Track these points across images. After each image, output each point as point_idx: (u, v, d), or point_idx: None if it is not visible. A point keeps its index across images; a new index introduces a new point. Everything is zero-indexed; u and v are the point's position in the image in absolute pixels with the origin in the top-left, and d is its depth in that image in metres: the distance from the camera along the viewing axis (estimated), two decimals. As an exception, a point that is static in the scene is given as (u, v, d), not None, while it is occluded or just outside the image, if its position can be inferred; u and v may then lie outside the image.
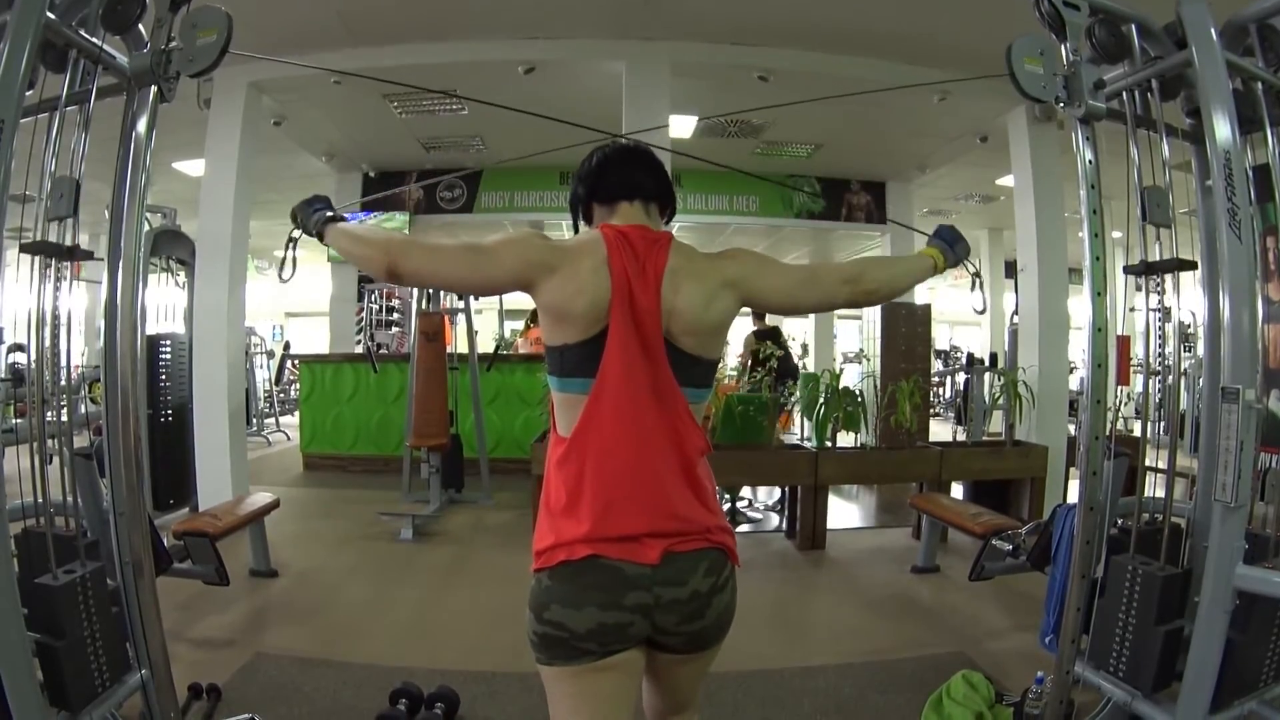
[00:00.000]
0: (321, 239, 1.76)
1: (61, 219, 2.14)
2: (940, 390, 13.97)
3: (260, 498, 4.64)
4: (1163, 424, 2.74)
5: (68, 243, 2.16)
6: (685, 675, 1.59)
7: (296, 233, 1.85)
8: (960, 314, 17.49)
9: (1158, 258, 2.45)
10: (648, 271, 1.47)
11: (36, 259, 2.12)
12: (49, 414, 2.24)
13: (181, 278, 5.81)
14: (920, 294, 9.16)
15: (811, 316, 14.24)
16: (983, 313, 2.11)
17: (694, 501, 1.48)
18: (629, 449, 1.45)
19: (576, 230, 1.66)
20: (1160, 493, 2.57)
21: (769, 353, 6.30)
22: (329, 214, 1.77)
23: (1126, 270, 2.55)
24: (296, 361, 11.06)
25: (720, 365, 1.59)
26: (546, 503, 1.50)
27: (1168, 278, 2.47)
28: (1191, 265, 2.48)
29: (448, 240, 1.58)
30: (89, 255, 2.23)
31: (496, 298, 7.42)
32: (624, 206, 1.59)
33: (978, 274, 2.01)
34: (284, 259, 1.97)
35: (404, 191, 9.72)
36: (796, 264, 1.69)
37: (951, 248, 1.83)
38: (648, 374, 1.45)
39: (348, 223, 1.77)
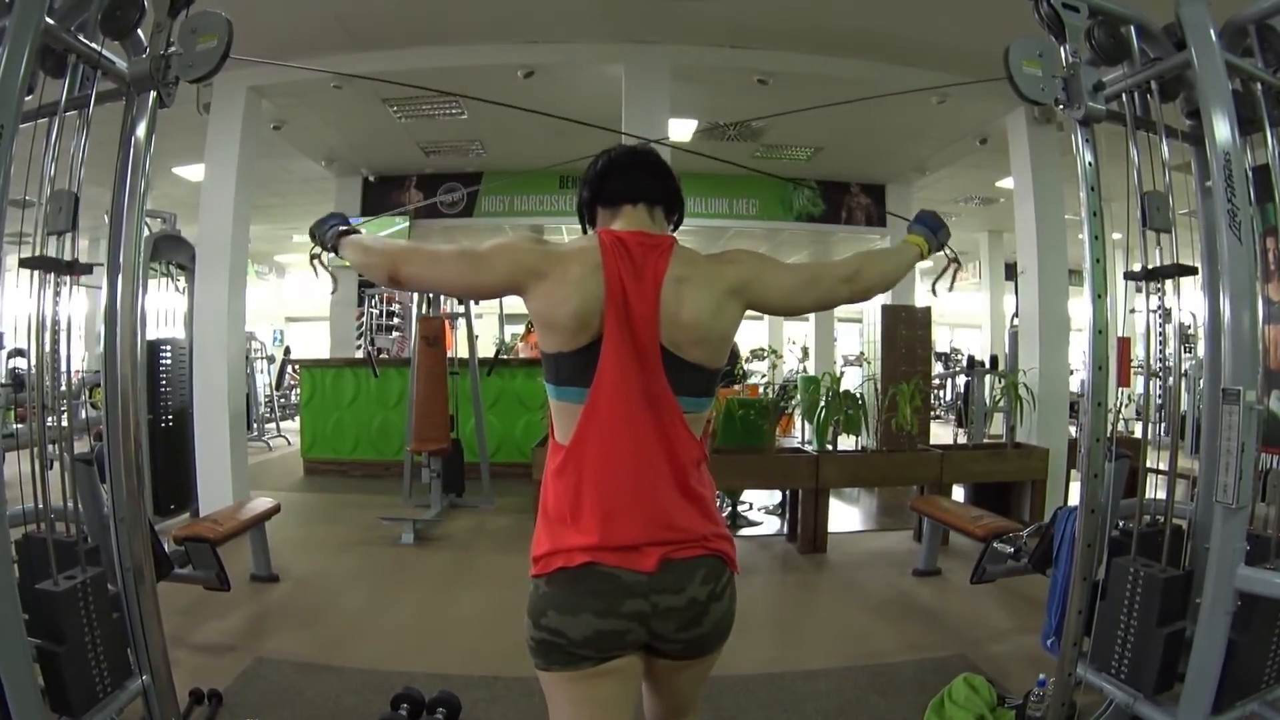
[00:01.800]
0: (337, 253, 1.80)
1: (60, 233, 2.15)
2: (941, 393, 13.96)
3: (261, 503, 4.63)
4: (1163, 425, 2.74)
5: (67, 254, 2.16)
6: (684, 681, 1.59)
7: (315, 249, 1.87)
8: (961, 316, 17.49)
9: (1158, 261, 2.45)
10: (645, 277, 1.46)
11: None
12: (49, 419, 2.24)
13: (181, 282, 5.81)
14: (921, 296, 9.16)
15: (811, 319, 14.25)
16: (936, 296, 2.11)
17: (690, 511, 1.47)
18: (625, 459, 1.44)
19: (585, 233, 1.66)
20: (1161, 494, 2.56)
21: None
22: (343, 228, 1.80)
23: (1127, 276, 2.55)
24: (297, 366, 11.06)
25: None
26: (545, 510, 1.50)
27: (1168, 280, 2.46)
28: (1192, 271, 2.49)
29: (448, 247, 1.59)
30: (87, 270, 2.23)
31: (496, 302, 7.43)
32: (627, 210, 1.58)
33: (956, 259, 2.01)
34: (318, 275, 1.98)
35: (405, 198, 9.71)
36: (795, 264, 1.69)
37: (934, 234, 1.86)
38: (642, 383, 1.44)
39: (359, 235, 1.79)
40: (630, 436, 1.44)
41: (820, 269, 1.70)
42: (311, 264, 1.96)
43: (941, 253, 1.93)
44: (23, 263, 2.13)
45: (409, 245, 1.67)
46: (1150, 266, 2.47)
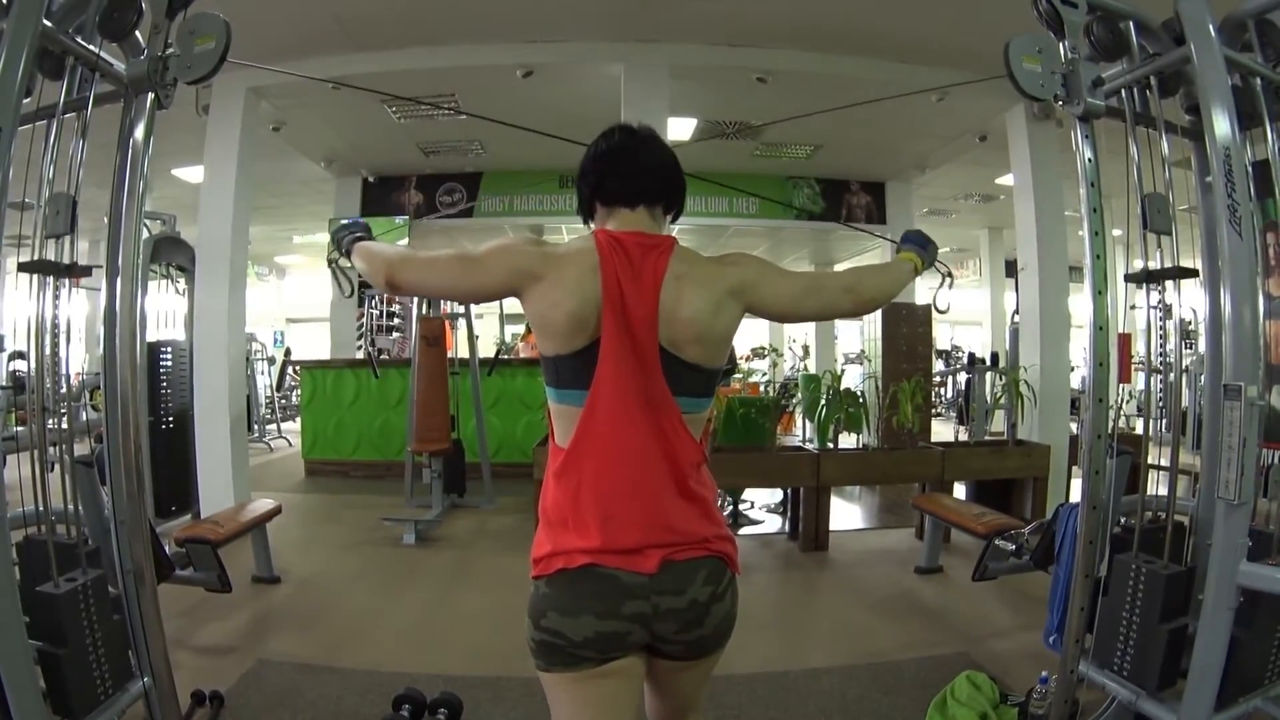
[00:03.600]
0: (349, 258, 1.80)
1: (59, 236, 2.15)
2: (942, 390, 13.96)
3: (262, 504, 4.64)
4: (1165, 421, 2.73)
5: (66, 257, 2.16)
6: (686, 681, 1.59)
7: (334, 254, 1.88)
8: (961, 313, 17.48)
9: (1158, 258, 2.45)
10: (644, 278, 1.45)
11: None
12: (50, 422, 2.24)
13: (181, 284, 5.80)
14: (921, 294, 9.15)
15: (811, 318, 14.23)
16: (944, 312, 2.14)
17: (690, 512, 1.47)
18: (625, 462, 1.44)
19: (584, 222, 1.65)
20: (1163, 490, 2.56)
21: None
22: (358, 235, 1.81)
23: (1128, 279, 2.55)
24: (298, 367, 11.06)
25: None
26: (545, 512, 1.50)
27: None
28: (1193, 273, 2.48)
29: (444, 251, 1.58)
30: (86, 272, 2.23)
31: (497, 302, 7.42)
32: (625, 212, 1.56)
33: (949, 274, 2.04)
34: (336, 281, 2.01)
35: (404, 198, 9.71)
36: (798, 271, 1.69)
37: (924, 250, 1.87)
38: (641, 385, 1.44)
39: (368, 242, 1.80)
40: (630, 438, 1.44)
41: (822, 278, 1.71)
42: (330, 267, 1.98)
43: (935, 268, 1.96)
44: (21, 266, 2.13)
45: (405, 251, 1.66)
46: (1150, 268, 2.46)
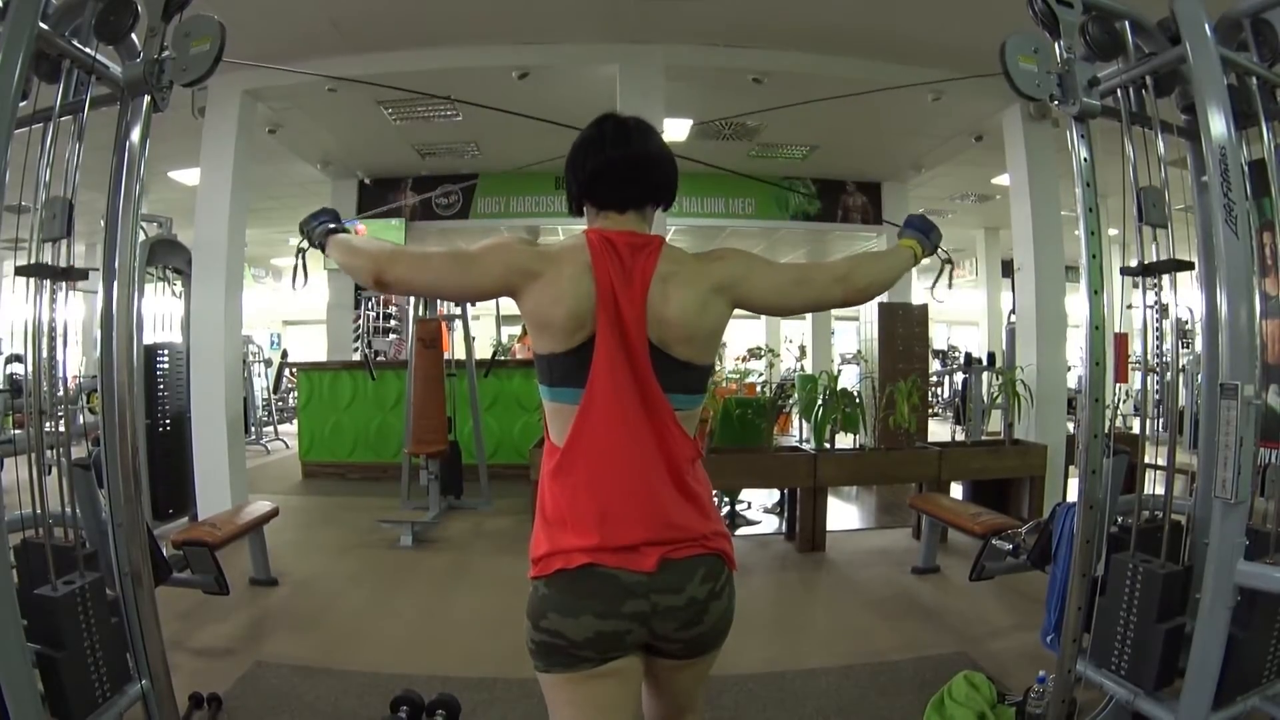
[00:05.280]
0: (323, 250, 1.76)
1: (55, 240, 2.14)
2: (939, 390, 13.97)
3: (259, 506, 4.63)
4: (1162, 421, 2.74)
5: (63, 260, 2.16)
6: (685, 680, 1.59)
7: (304, 244, 1.85)
8: (958, 313, 17.49)
9: (1155, 256, 2.45)
10: (634, 279, 1.45)
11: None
12: (47, 425, 2.23)
13: (178, 287, 5.79)
14: (918, 294, 9.17)
15: (809, 317, 14.25)
16: (942, 302, 2.11)
17: (688, 509, 1.47)
18: (621, 460, 1.44)
19: (570, 209, 1.64)
20: (1160, 490, 2.56)
21: None
22: (331, 225, 1.77)
23: (1124, 272, 2.55)
24: (294, 369, 11.05)
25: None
26: (543, 512, 1.49)
27: (1165, 275, 2.46)
28: (1188, 266, 2.48)
29: (437, 249, 1.56)
30: (83, 275, 2.22)
31: (493, 303, 7.42)
32: (614, 215, 1.55)
33: (949, 260, 2.00)
34: (295, 269, 1.96)
35: (401, 200, 9.71)
36: (787, 263, 1.67)
37: (926, 236, 1.83)
38: (635, 383, 1.44)
39: (346, 235, 1.77)
40: (626, 436, 1.44)
41: (812, 269, 1.66)
42: (297, 257, 1.94)
43: (936, 254, 1.91)
44: (19, 270, 2.14)
45: (395, 247, 1.61)
46: (1146, 262, 2.46)
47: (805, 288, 1.63)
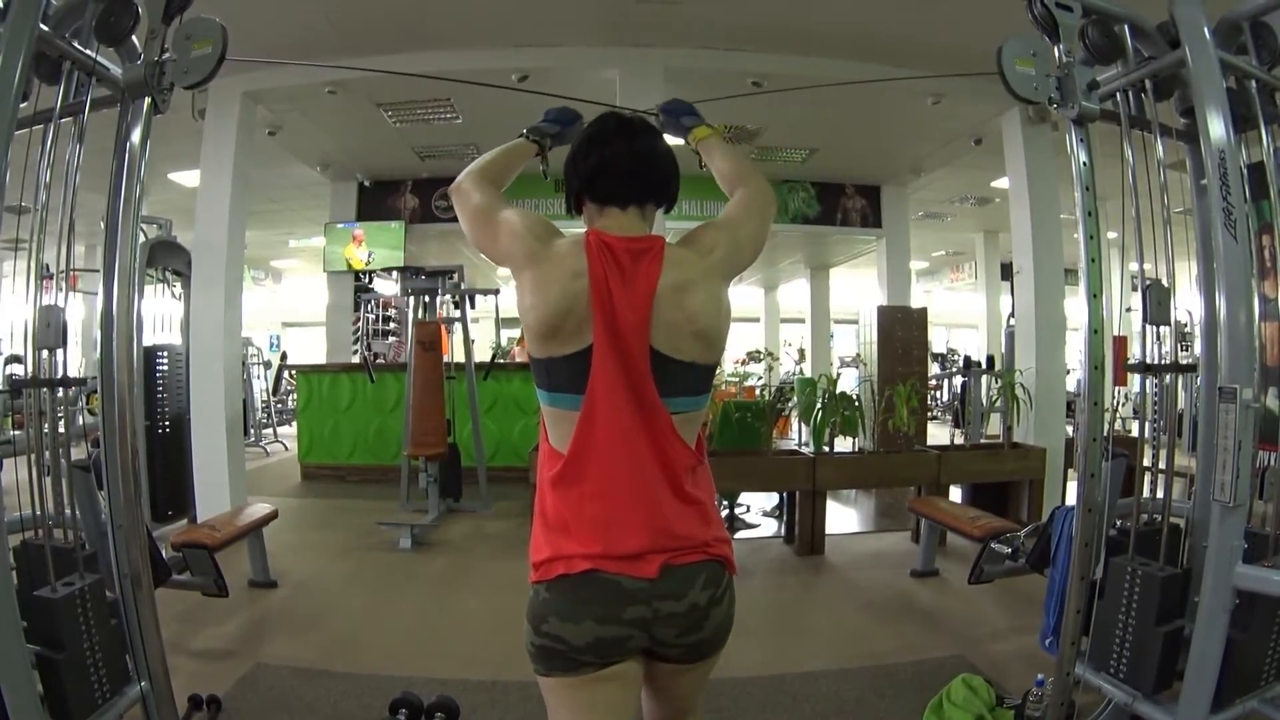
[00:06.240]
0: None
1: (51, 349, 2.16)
2: (938, 393, 13.97)
3: (259, 508, 4.63)
4: (1161, 424, 2.74)
5: (63, 263, 2.16)
6: (685, 684, 1.58)
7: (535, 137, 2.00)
8: (957, 316, 17.50)
9: (1153, 269, 2.45)
10: (637, 286, 1.42)
11: (31, 272, 2.12)
12: (46, 426, 2.23)
13: (178, 289, 5.79)
14: (917, 297, 9.17)
15: (808, 322, 14.30)
16: (755, 131, 2.15)
17: (689, 516, 1.46)
18: (622, 466, 1.43)
19: (567, 211, 1.65)
20: (1159, 493, 2.56)
21: None
22: (535, 126, 2.02)
23: (1128, 368, 2.56)
24: (294, 372, 11.04)
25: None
26: (544, 516, 1.48)
27: (1164, 272, 2.47)
28: (1190, 369, 2.50)
29: (485, 194, 1.63)
30: (81, 383, 2.25)
31: (493, 305, 7.43)
32: (615, 212, 1.54)
33: (732, 128, 2.04)
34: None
35: (400, 202, 9.71)
36: (736, 210, 1.66)
37: (696, 116, 1.97)
38: (633, 389, 1.42)
39: (518, 142, 1.95)
40: (626, 443, 1.43)
41: (742, 206, 1.66)
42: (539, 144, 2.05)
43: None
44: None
45: (478, 173, 1.70)
46: (1149, 361, 2.50)
47: (760, 217, 1.66)
